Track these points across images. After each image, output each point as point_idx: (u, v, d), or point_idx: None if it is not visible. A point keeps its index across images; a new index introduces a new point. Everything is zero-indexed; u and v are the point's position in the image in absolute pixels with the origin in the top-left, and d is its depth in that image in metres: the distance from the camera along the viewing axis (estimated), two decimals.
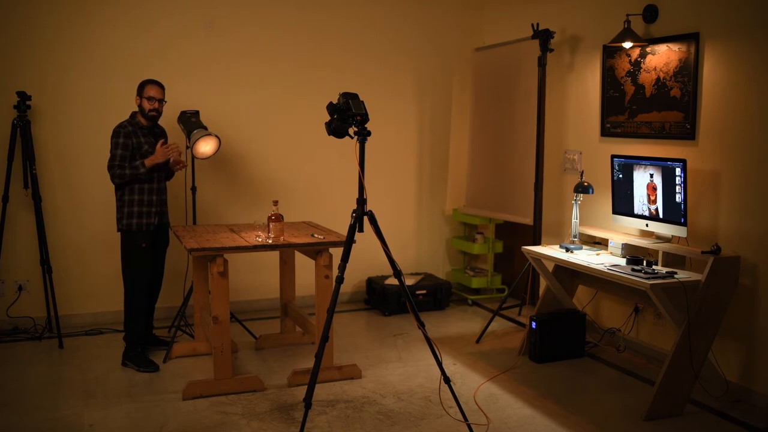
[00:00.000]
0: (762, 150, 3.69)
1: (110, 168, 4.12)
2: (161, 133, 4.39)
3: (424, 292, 5.62)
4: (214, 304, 3.81)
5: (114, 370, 4.21)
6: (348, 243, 3.31)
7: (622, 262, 3.99)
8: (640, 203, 4.16)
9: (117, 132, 4.14)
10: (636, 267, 3.78)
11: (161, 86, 4.25)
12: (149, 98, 4.19)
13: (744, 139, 3.78)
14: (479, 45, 5.98)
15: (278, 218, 3.96)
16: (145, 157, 4.17)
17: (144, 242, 4.23)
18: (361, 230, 3.34)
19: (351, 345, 4.74)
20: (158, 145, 4.19)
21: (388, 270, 5.50)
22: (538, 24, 4.91)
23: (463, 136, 6.13)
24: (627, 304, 4.58)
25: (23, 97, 4.63)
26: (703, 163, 4.01)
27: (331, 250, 4.05)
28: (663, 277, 3.62)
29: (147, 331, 4.47)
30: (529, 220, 5.10)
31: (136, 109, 4.24)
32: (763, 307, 3.71)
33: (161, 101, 4.24)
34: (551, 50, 4.92)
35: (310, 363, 3.52)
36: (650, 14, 4.30)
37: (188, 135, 4.60)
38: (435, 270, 6.23)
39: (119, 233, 4.25)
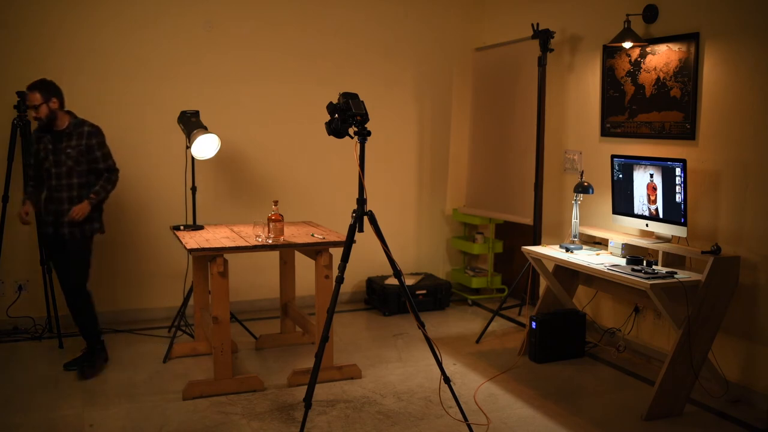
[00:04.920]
0: (762, 150, 3.69)
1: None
2: (78, 134, 4.09)
3: (424, 292, 5.62)
4: (214, 304, 3.81)
5: (114, 370, 4.21)
6: (348, 243, 3.31)
7: (622, 262, 3.99)
8: (640, 203, 4.16)
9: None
10: (636, 267, 3.78)
11: (33, 90, 3.93)
12: (29, 107, 3.98)
13: (744, 139, 3.78)
14: (479, 45, 5.98)
15: (278, 218, 3.96)
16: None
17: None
18: (361, 230, 3.34)
19: (351, 345, 4.74)
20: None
21: (388, 270, 5.50)
22: (538, 24, 4.91)
23: (463, 136, 6.13)
24: (627, 304, 4.58)
25: (23, 97, 4.63)
26: (703, 163, 4.01)
27: (331, 250, 4.05)
28: (663, 277, 3.62)
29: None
30: (529, 220, 5.10)
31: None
32: (763, 307, 3.71)
33: (36, 107, 3.93)
34: (551, 50, 4.92)
35: (310, 363, 3.52)
36: (650, 14, 4.30)
37: (188, 135, 4.60)
38: (435, 270, 6.23)
39: (84, 236, 4.22)
